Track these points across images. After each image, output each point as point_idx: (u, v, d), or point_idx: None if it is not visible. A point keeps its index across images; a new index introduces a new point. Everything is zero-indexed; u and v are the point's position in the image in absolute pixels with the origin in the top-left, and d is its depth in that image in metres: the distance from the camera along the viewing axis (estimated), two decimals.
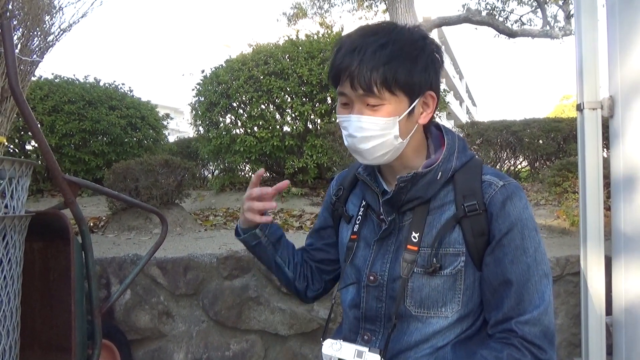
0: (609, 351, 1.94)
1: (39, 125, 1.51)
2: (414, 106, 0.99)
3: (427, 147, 1.09)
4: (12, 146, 5.01)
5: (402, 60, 0.94)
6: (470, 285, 1.01)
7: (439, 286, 1.00)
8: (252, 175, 5.32)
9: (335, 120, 4.28)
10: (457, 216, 1.00)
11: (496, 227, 0.98)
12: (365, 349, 0.98)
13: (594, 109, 1.93)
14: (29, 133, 4.41)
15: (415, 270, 1.00)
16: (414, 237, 1.01)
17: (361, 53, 0.93)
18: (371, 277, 1.06)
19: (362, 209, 1.14)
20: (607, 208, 2.08)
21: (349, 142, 1.01)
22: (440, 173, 1.02)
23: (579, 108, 1.97)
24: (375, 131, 0.96)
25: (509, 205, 0.98)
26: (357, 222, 1.13)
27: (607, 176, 2.00)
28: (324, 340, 1.03)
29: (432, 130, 1.12)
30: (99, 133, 5.03)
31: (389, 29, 0.98)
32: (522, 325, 0.94)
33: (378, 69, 0.92)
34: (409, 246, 1.01)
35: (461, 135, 6.03)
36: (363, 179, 1.11)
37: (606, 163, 2.02)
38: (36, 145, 4.35)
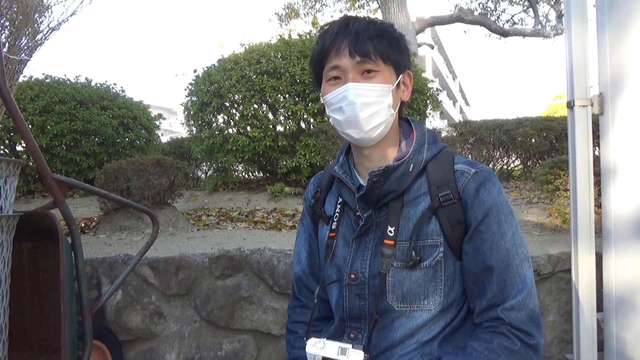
0: (600, 347, 1.95)
1: (27, 125, 1.49)
2: (400, 80, 1.05)
3: (399, 142, 1.10)
4: (2, 147, 4.97)
5: (390, 37, 1.02)
6: (450, 275, 1.01)
7: (420, 279, 1.00)
8: (245, 174, 5.22)
9: (329, 119, 4.28)
10: (433, 207, 1.00)
11: (472, 214, 0.99)
12: (348, 346, 0.98)
13: (584, 106, 1.94)
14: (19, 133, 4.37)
15: (394, 265, 1.00)
16: (390, 232, 1.01)
17: (355, 25, 1.01)
18: (352, 276, 1.05)
19: (339, 207, 1.13)
20: (598, 205, 2.09)
21: (347, 112, 0.99)
22: (412, 165, 1.02)
23: (570, 105, 1.98)
24: (373, 97, 0.99)
25: (483, 191, 0.99)
26: (335, 220, 1.12)
27: (598, 174, 2.02)
28: (307, 339, 1.02)
29: (403, 125, 1.13)
30: (90, 133, 4.99)
31: (368, 17, 1.07)
32: (508, 311, 0.94)
33: (373, 39, 0.99)
34: (385, 241, 1.01)
35: (446, 133, 6.04)
36: (339, 176, 1.10)
37: (597, 161, 2.03)
38: (25, 145, 4.33)
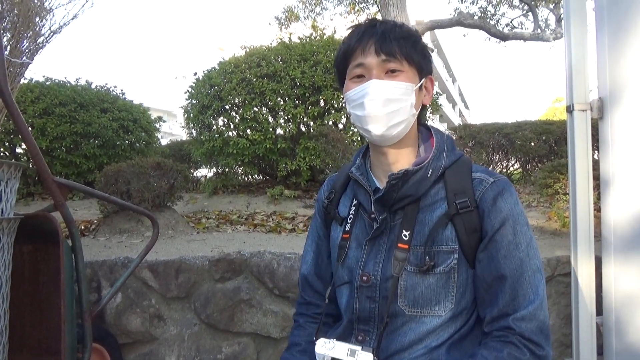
0: (600, 351, 1.95)
1: (28, 128, 1.50)
2: (422, 83, 1.06)
3: (417, 146, 1.10)
4: (2, 149, 4.97)
5: (414, 40, 1.05)
6: (463, 282, 1.01)
7: (433, 284, 1.00)
8: (245, 177, 5.19)
9: (328, 122, 4.29)
10: (449, 213, 1.01)
11: (488, 223, 0.99)
12: (358, 348, 0.98)
13: (583, 111, 1.95)
14: (19, 136, 4.38)
15: (407, 269, 1.00)
16: (405, 236, 1.01)
17: (382, 26, 1.03)
18: (364, 278, 1.05)
19: (353, 208, 1.14)
20: (598, 209, 2.09)
21: (368, 108, 1.00)
22: (430, 171, 1.03)
23: (569, 110, 1.98)
24: (396, 95, 1.00)
25: (500, 201, 1.00)
26: (349, 222, 1.13)
27: (597, 178, 2.02)
28: (317, 339, 1.03)
29: (422, 131, 1.13)
30: (90, 136, 5.00)
31: (394, 21, 1.10)
32: (518, 321, 0.95)
33: (399, 40, 1.02)
34: (399, 244, 1.01)
35: (452, 136, 6.07)
36: (356, 177, 1.11)
37: (596, 165, 2.03)
38: (26, 148, 4.32)
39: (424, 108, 1.11)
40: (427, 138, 1.12)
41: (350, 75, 1.05)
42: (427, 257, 0.99)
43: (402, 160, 1.07)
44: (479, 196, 1.01)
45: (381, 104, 0.99)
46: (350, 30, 1.08)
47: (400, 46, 1.01)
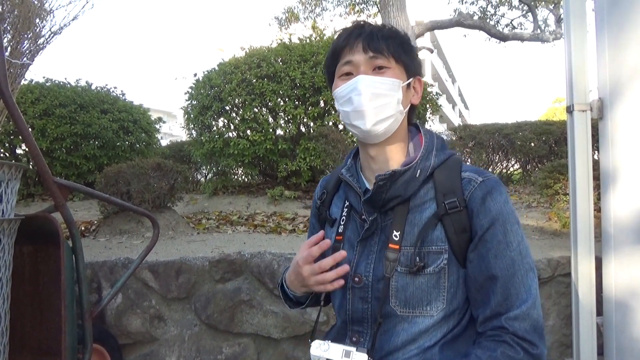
0: (600, 351, 1.95)
1: (29, 129, 1.50)
2: (410, 82, 1.07)
3: (407, 147, 1.11)
4: (2, 150, 4.97)
5: (402, 40, 1.06)
6: (454, 282, 1.01)
7: (423, 285, 1.00)
8: (245, 177, 5.17)
9: (328, 123, 4.30)
10: (439, 214, 1.00)
11: (477, 223, 0.99)
12: (352, 349, 0.98)
13: (583, 111, 1.95)
14: (20, 137, 4.38)
15: (398, 270, 1.00)
16: (395, 236, 1.02)
17: (370, 27, 1.05)
18: (356, 279, 1.05)
19: (345, 210, 1.14)
20: (598, 210, 2.10)
21: (355, 102, 1.01)
22: (419, 171, 1.03)
23: (569, 110, 1.99)
24: (382, 90, 1.01)
25: (489, 200, 0.99)
26: (342, 223, 1.13)
27: (597, 178, 2.02)
28: (312, 341, 1.03)
29: (412, 131, 1.14)
30: (90, 137, 5.00)
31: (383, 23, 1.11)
32: (512, 321, 0.95)
33: (386, 38, 1.03)
34: (390, 245, 1.01)
35: (446, 137, 6.07)
36: (346, 179, 1.11)
37: (596, 165, 2.03)
38: (27, 149, 4.32)
39: (413, 108, 1.11)
40: (416, 137, 1.12)
41: (339, 73, 1.06)
42: (417, 258, 0.99)
43: (391, 160, 1.07)
44: (468, 196, 1.00)
45: (368, 99, 1.00)
46: (339, 33, 1.09)
47: (388, 44, 1.02)
